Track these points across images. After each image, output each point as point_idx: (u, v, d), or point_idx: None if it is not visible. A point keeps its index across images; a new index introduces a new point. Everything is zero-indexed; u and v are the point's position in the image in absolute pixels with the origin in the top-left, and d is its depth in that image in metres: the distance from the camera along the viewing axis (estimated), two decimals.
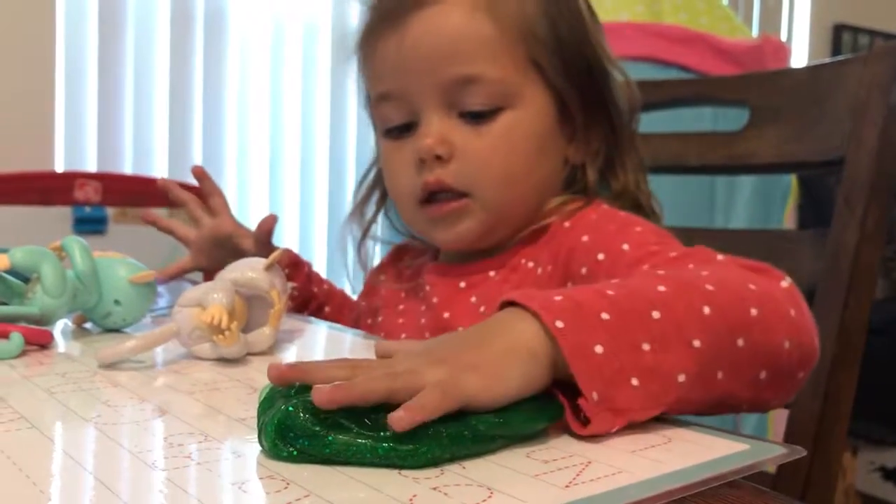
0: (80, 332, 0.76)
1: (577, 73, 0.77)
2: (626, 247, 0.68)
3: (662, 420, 0.49)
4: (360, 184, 0.91)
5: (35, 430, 0.46)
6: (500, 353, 0.46)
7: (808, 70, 1.04)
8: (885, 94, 0.90)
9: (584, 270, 0.70)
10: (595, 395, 0.45)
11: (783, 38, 3.66)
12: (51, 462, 0.42)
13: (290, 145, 2.47)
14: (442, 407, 0.42)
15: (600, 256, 0.70)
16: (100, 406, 0.52)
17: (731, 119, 1.24)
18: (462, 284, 0.79)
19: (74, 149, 2.19)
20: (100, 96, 2.19)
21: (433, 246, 0.87)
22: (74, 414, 0.50)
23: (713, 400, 0.52)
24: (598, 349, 0.47)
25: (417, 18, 0.74)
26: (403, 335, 0.81)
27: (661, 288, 0.51)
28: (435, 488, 0.39)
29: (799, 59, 3.65)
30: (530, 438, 0.45)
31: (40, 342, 0.66)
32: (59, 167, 2.14)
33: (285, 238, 2.47)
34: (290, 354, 0.69)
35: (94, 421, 0.49)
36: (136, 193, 2.08)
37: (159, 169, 2.28)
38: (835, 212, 0.93)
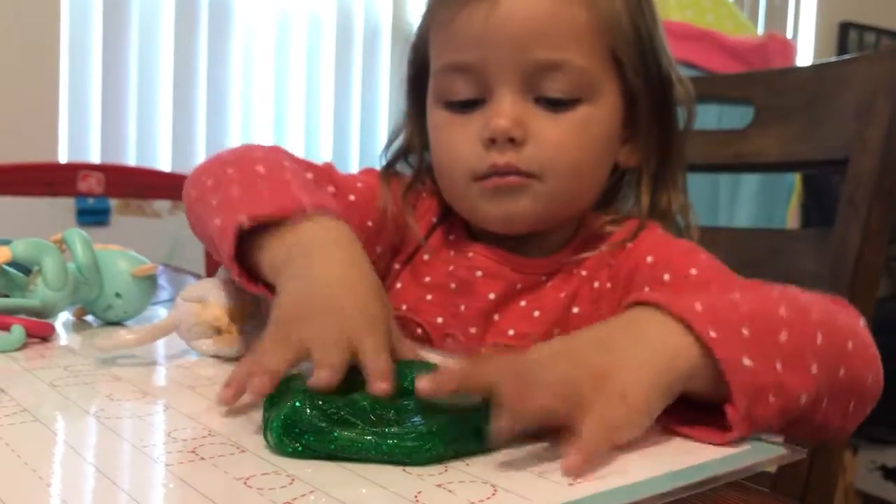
0: (80, 324, 0.75)
1: (650, 75, 0.75)
2: (693, 271, 0.68)
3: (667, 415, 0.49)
4: (386, 149, 0.84)
5: (37, 422, 0.46)
6: (646, 377, 0.47)
7: (814, 69, 1.03)
8: (891, 93, 0.90)
9: (646, 290, 0.66)
10: (744, 407, 0.47)
11: (789, 35, 3.65)
12: (52, 454, 0.42)
13: (294, 137, 2.47)
14: (604, 446, 0.44)
15: (666, 277, 0.69)
16: (102, 399, 0.52)
17: (735, 117, 1.24)
18: (519, 286, 0.74)
19: (78, 140, 2.19)
20: (104, 87, 2.19)
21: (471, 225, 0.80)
22: (76, 406, 0.50)
23: (814, 424, 0.54)
24: (747, 362, 0.49)
25: None
26: (440, 319, 0.75)
27: (782, 311, 0.53)
28: (439, 485, 0.39)
29: (804, 57, 3.64)
30: (532, 437, 0.45)
31: (42, 335, 0.66)
32: (63, 158, 2.14)
33: None
34: None
35: (95, 414, 0.49)
36: (139, 185, 2.08)
37: (163, 161, 2.28)
38: (838, 211, 0.93)
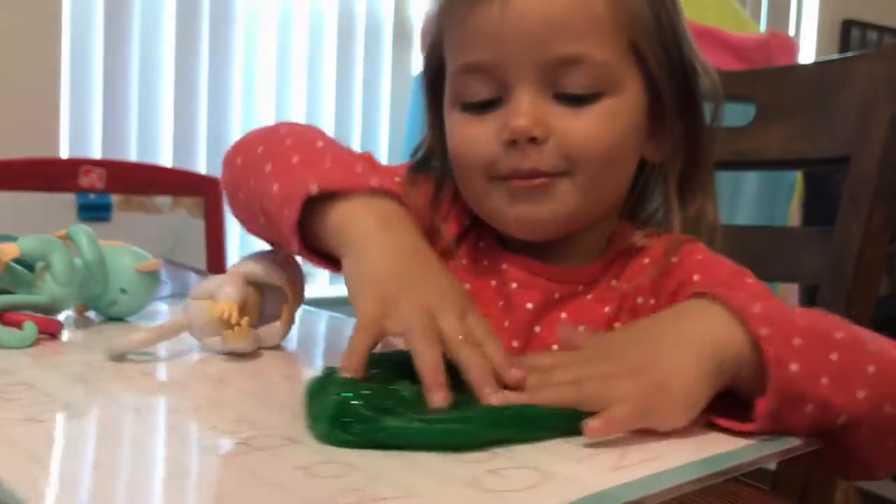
0: (83, 321, 0.76)
1: (672, 66, 0.72)
2: (738, 281, 0.69)
3: None
4: (412, 156, 0.82)
5: (45, 420, 0.47)
6: (692, 369, 0.50)
7: (816, 66, 1.04)
8: (893, 92, 0.90)
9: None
10: (774, 404, 0.49)
11: (791, 33, 3.65)
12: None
13: None
14: (631, 425, 0.47)
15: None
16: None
17: (737, 114, 1.24)
18: (556, 296, 0.72)
19: (79, 135, 2.19)
20: (105, 82, 2.19)
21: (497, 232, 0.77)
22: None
23: (846, 452, 0.55)
24: (794, 367, 0.50)
25: None
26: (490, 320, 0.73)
27: (839, 335, 0.53)
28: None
29: (806, 54, 3.64)
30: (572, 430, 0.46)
31: (50, 331, 0.66)
32: (64, 154, 2.15)
33: None
34: (304, 350, 0.69)
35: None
36: (140, 181, 2.08)
37: (164, 156, 2.28)
38: (840, 209, 0.93)
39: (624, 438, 0.46)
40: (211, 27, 2.33)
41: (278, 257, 0.68)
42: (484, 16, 0.68)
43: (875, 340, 0.55)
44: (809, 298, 0.99)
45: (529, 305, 0.72)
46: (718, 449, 0.46)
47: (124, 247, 0.75)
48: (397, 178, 0.76)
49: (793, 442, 0.49)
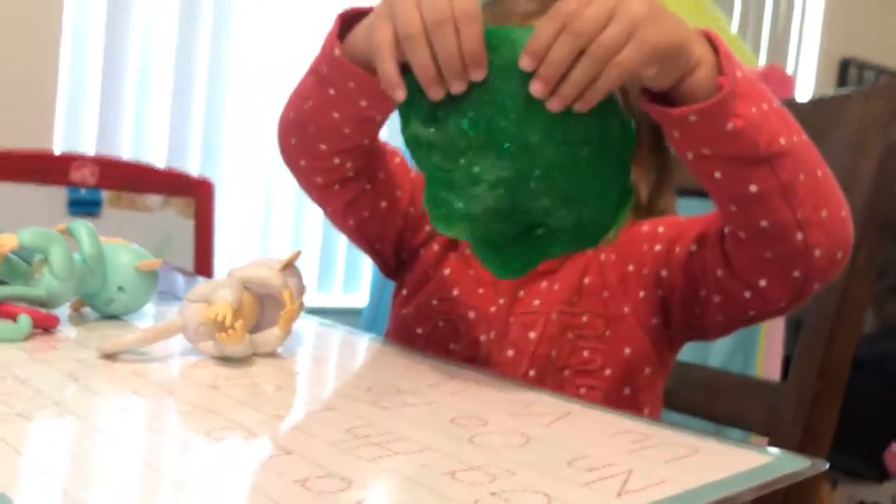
0: (79, 317, 0.76)
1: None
2: (681, 221, 0.79)
3: (686, 430, 0.52)
4: None
5: (36, 417, 0.47)
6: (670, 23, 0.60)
7: (810, 103, 1.05)
8: (883, 129, 0.91)
9: (644, 247, 0.79)
10: (729, 87, 0.60)
11: (790, 68, 3.68)
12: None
13: None
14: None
15: (660, 229, 0.79)
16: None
17: None
18: (538, 268, 0.78)
19: (74, 131, 2.18)
20: (103, 80, 2.19)
21: None
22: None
23: (780, 186, 0.63)
24: (744, 84, 0.62)
25: None
26: (493, 308, 0.81)
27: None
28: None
29: (804, 90, 3.68)
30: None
31: (46, 325, 0.66)
32: (58, 148, 2.14)
33: (284, 227, 2.48)
34: (300, 358, 0.69)
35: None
36: (132, 179, 2.08)
37: (157, 155, 2.28)
38: None
39: (626, 462, 0.46)
40: (211, 28, 2.33)
41: (279, 264, 0.68)
42: None
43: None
44: (795, 333, 1.01)
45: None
46: (722, 473, 0.46)
47: (124, 245, 0.75)
48: (398, 159, 0.86)
49: (802, 463, 0.48)
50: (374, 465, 0.43)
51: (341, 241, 2.55)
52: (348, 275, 2.65)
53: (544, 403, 0.59)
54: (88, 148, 2.19)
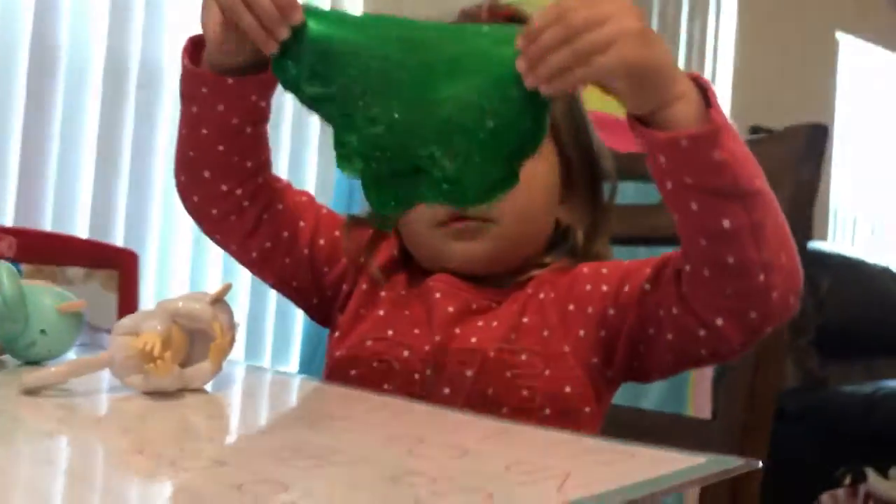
0: None
1: (581, 143, 0.85)
2: (624, 262, 0.81)
3: (623, 440, 0.53)
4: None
5: None
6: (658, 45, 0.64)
7: None
8: (792, 169, 0.96)
9: (588, 287, 0.81)
10: (720, 119, 0.65)
11: None
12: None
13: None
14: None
15: (604, 270, 0.81)
16: (20, 426, 0.51)
17: (652, 193, 1.29)
18: (473, 306, 0.82)
19: None
20: (23, 150, 2.15)
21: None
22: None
23: (750, 224, 0.66)
24: (726, 126, 0.65)
25: None
26: (428, 347, 0.80)
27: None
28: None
29: None
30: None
31: None
32: None
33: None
34: (230, 396, 0.68)
35: (15, 451, 0.48)
36: (52, 251, 2.03)
37: (80, 228, 2.24)
38: None
39: (563, 465, 0.46)
40: (136, 99, 2.32)
41: (209, 298, 0.67)
42: None
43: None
44: (720, 366, 1.03)
45: (450, 309, 0.81)
46: (660, 472, 0.46)
47: (46, 287, 0.73)
48: (304, 198, 0.89)
49: (734, 462, 0.48)
50: (312, 473, 0.42)
51: (270, 310, 2.52)
52: (277, 345, 2.61)
53: (479, 424, 0.59)
54: (7, 220, 2.14)
